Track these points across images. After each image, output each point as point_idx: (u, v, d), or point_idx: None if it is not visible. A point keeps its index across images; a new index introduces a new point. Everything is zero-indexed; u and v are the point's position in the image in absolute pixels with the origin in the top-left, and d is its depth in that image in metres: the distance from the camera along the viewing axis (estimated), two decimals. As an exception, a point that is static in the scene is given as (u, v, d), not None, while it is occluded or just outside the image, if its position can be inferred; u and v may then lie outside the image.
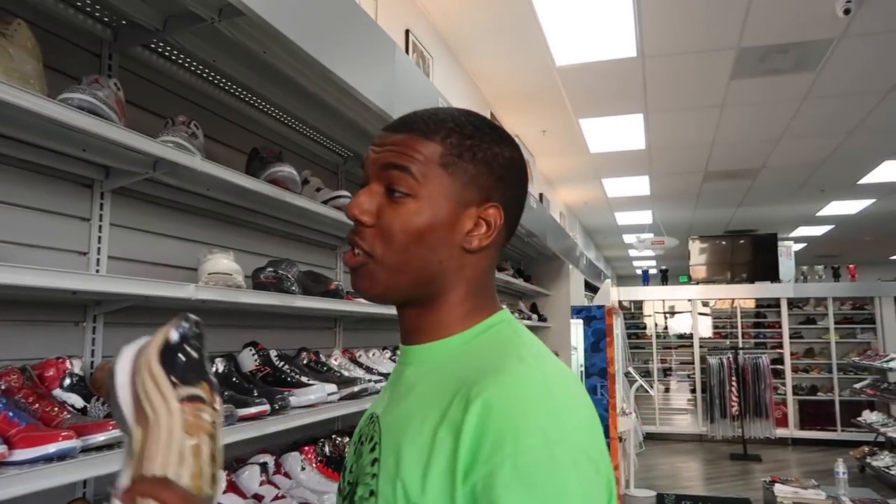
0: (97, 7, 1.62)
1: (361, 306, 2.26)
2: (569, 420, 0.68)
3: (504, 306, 0.84)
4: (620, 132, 7.01)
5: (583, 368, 5.56)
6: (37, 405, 1.20)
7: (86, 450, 1.18)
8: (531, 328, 5.34)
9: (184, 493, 0.64)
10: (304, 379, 1.97)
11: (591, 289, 7.04)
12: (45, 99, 1.22)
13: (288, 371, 1.97)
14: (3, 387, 1.20)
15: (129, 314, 1.68)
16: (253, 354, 1.94)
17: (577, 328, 5.63)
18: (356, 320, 2.77)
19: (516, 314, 4.77)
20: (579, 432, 0.68)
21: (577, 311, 5.69)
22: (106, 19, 1.67)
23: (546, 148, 7.47)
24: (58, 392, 1.30)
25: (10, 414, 1.10)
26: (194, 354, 0.68)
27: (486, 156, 0.79)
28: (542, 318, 5.40)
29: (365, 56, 2.07)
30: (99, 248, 1.65)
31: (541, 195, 7.48)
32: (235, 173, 1.73)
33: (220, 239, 2.07)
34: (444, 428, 0.68)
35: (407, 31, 4.30)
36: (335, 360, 2.34)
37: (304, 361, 2.16)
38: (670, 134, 7.09)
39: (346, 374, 2.23)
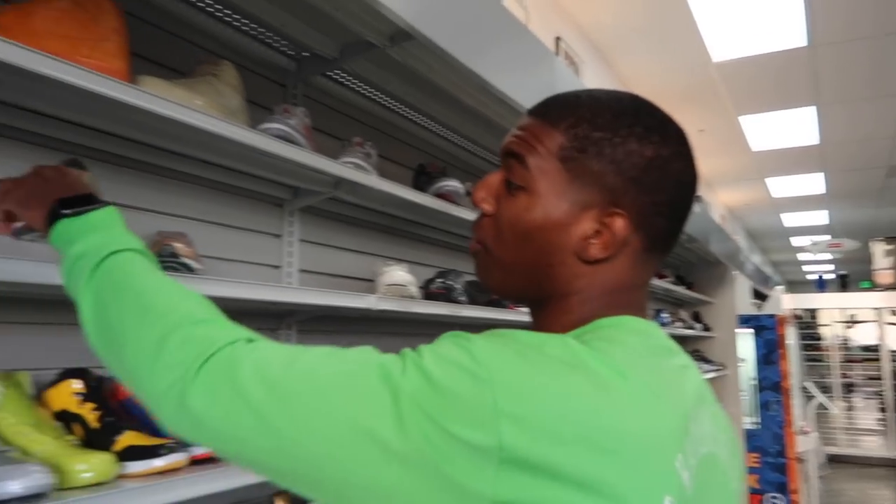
0: (283, 42, 1.78)
1: (523, 316, 2.28)
2: (515, 365, 0.55)
3: (634, 316, 0.69)
4: (787, 128, 6.52)
5: (754, 382, 5.20)
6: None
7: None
8: (694, 338, 5.11)
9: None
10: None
11: (759, 296, 6.58)
12: (249, 130, 1.36)
13: (457, 378, 2.02)
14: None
15: (318, 322, 1.82)
16: (425, 361, 2.02)
17: (745, 339, 5.28)
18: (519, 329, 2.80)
19: (679, 323, 4.57)
20: (513, 383, 0.53)
21: (745, 321, 5.34)
22: (291, 52, 1.83)
23: (704, 148, 7.11)
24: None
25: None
26: None
27: (616, 153, 0.66)
28: (705, 328, 5.13)
29: (522, 67, 2.10)
30: (290, 262, 1.81)
31: (699, 197, 7.12)
32: (407, 189, 1.82)
33: (392, 251, 2.18)
34: None
35: (557, 39, 4.30)
36: (500, 368, 2.37)
37: (471, 369, 2.21)
38: (847, 127, 6.49)
39: (511, 382, 2.25)
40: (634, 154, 0.67)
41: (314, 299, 1.51)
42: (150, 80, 1.22)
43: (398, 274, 1.80)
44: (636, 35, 4.87)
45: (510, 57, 2.02)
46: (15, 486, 0.85)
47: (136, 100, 1.12)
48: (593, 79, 4.84)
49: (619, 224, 0.67)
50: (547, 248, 0.68)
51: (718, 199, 9.32)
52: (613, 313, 0.68)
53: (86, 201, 0.74)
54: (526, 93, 2.04)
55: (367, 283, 1.98)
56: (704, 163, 7.70)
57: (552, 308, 0.70)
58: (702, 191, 7.82)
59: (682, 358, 0.69)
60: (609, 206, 0.67)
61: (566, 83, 2.37)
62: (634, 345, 0.64)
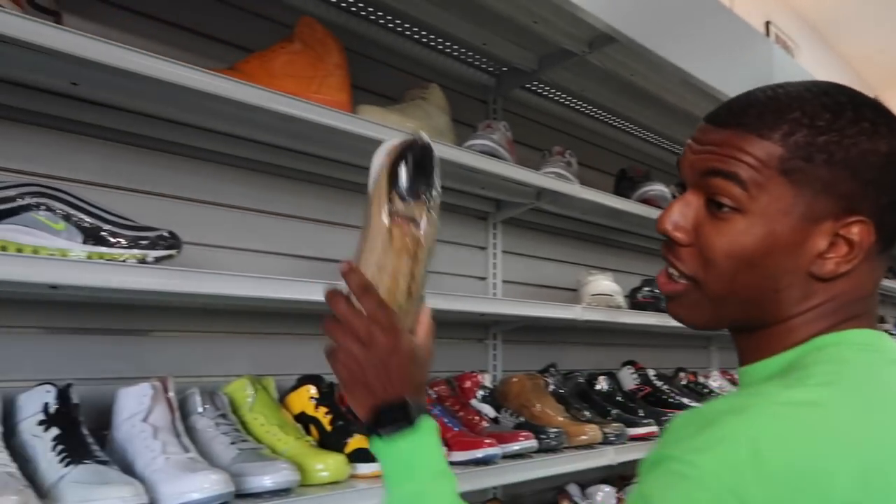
0: (483, 59, 1.82)
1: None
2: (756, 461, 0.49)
3: (859, 328, 0.62)
4: None
5: None
6: (461, 413, 1.39)
7: (504, 457, 1.31)
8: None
9: (379, 301, 0.69)
10: (685, 400, 1.91)
11: None
12: (456, 148, 1.42)
13: (668, 391, 1.93)
14: (435, 396, 1.41)
15: (523, 332, 1.84)
16: (632, 373, 1.96)
17: None
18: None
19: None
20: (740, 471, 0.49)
21: None
22: (490, 69, 1.87)
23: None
24: (474, 402, 1.49)
25: (446, 420, 1.29)
26: (418, 171, 0.70)
27: (848, 156, 0.58)
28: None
29: (732, 55, 1.97)
30: (494, 273, 1.85)
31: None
32: (610, 196, 1.78)
33: (595, 259, 2.14)
34: None
35: (767, 23, 3.96)
36: (714, 381, 2.22)
37: (683, 382, 2.10)
38: None
39: (728, 397, 2.11)
40: (869, 153, 0.59)
41: (521, 310, 1.53)
42: (368, 109, 1.32)
43: (604, 283, 1.76)
44: (861, 8, 4.33)
45: (717, 47, 1.91)
46: (267, 481, 0.96)
47: (358, 128, 1.22)
48: (811, 63, 4.39)
49: (861, 232, 0.59)
50: (775, 272, 0.60)
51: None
52: (836, 328, 0.61)
53: (401, 414, 0.68)
54: (737, 83, 1.89)
55: (571, 293, 1.96)
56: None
57: (771, 332, 0.63)
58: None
59: None
60: (846, 214, 0.59)
61: (784, 69, 2.17)
62: (868, 363, 0.58)
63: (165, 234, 1.01)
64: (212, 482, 0.87)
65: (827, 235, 0.59)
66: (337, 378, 0.72)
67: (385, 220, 0.69)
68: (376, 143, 1.29)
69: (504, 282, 1.87)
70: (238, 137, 1.31)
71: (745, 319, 0.64)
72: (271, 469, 0.97)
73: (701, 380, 2.19)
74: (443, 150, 1.36)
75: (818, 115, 0.59)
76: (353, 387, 0.70)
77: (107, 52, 0.93)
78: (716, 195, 0.61)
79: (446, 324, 1.74)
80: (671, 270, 0.65)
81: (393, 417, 0.68)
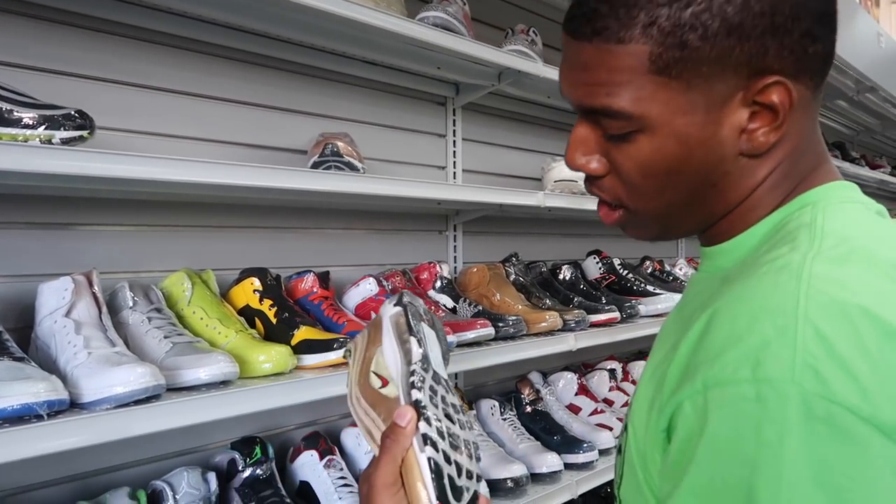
0: (439, -74, 1.66)
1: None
2: (812, 350, 0.42)
3: (838, 180, 0.58)
4: None
5: None
6: (417, 303, 1.35)
7: (460, 345, 1.29)
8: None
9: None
10: (650, 288, 1.90)
11: None
12: (406, 20, 1.30)
13: (633, 280, 1.91)
14: (390, 286, 1.37)
15: (484, 223, 1.78)
16: (597, 262, 1.93)
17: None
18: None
19: None
20: (818, 373, 0.42)
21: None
22: (447, -64, 1.71)
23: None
24: (432, 293, 1.45)
25: (399, 310, 1.25)
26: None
27: (726, 19, 0.49)
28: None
29: None
30: (454, 162, 1.77)
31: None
32: (575, 77, 1.68)
33: (560, 148, 2.06)
34: (672, 352, 0.52)
35: None
36: (680, 269, 2.21)
37: (649, 270, 2.09)
38: None
39: (693, 284, 2.10)
40: (747, 5, 0.50)
41: (479, 196, 1.47)
42: (303, -25, 1.19)
43: (567, 170, 1.69)
44: None
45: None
46: (202, 373, 0.91)
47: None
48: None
49: (780, 93, 0.52)
50: (704, 170, 0.55)
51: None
52: (809, 181, 0.57)
53: None
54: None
55: (536, 183, 1.90)
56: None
57: (730, 217, 0.58)
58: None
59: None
60: (752, 78, 0.51)
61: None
62: (869, 221, 0.55)
63: (73, 113, 0.91)
64: (137, 375, 0.82)
65: (742, 108, 0.53)
66: None
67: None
68: (315, 15, 1.19)
69: (464, 171, 1.79)
70: (164, 11, 1.18)
71: (699, 220, 0.60)
72: (207, 361, 0.92)
73: (667, 268, 2.18)
74: (391, 23, 1.25)
75: None
76: None
77: None
78: (604, 129, 0.56)
79: (404, 214, 1.68)
80: (607, 203, 0.61)
81: None
